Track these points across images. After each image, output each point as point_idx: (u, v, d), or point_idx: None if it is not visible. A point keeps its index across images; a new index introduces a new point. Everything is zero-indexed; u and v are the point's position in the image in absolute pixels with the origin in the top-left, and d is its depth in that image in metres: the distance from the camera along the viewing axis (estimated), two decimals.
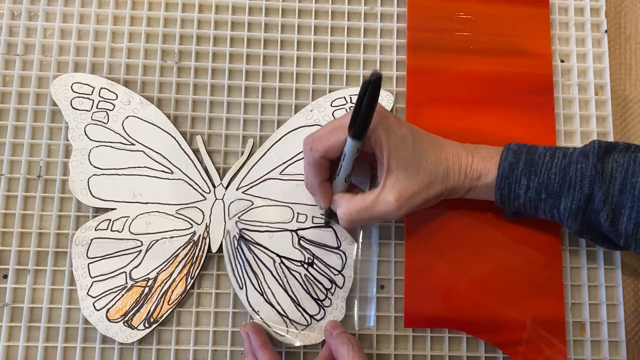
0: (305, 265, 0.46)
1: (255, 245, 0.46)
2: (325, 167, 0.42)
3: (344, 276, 0.46)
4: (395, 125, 0.40)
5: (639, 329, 0.48)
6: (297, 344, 0.44)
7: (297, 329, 0.45)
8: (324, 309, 0.45)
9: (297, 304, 0.45)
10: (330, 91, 0.49)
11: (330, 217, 0.46)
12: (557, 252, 0.47)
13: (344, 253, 0.46)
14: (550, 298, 0.46)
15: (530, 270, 0.46)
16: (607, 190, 0.39)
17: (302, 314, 0.45)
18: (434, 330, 0.46)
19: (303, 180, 0.46)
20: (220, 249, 0.46)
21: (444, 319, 0.45)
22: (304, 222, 0.46)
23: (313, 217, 0.46)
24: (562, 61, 0.51)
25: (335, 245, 0.46)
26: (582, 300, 0.47)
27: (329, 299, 0.45)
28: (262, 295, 0.45)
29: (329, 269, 0.46)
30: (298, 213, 0.46)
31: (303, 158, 0.44)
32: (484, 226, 0.47)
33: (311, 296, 0.45)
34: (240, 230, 0.46)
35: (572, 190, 0.39)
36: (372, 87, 0.34)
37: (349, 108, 0.48)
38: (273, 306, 0.45)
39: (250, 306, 0.45)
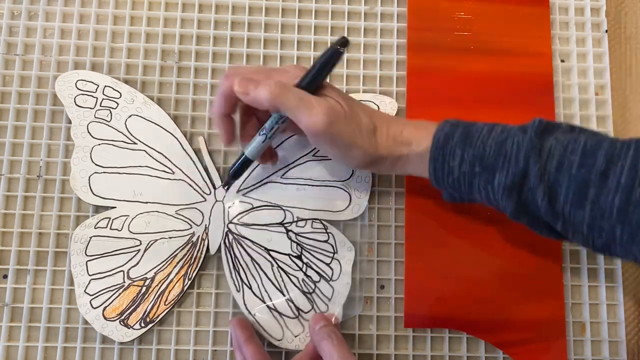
0: (294, 258, 0.45)
1: (254, 249, 0.46)
2: (234, 101, 0.40)
3: (340, 281, 0.46)
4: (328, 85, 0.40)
5: (639, 329, 0.48)
6: (294, 347, 0.44)
7: (293, 334, 0.44)
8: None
9: (294, 308, 0.45)
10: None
11: (236, 175, 0.43)
12: (557, 252, 0.47)
13: (341, 259, 0.46)
14: (550, 298, 0.46)
15: (531, 270, 0.46)
16: (543, 166, 0.36)
17: (300, 320, 0.45)
18: (434, 330, 0.46)
19: (304, 184, 0.46)
20: (218, 251, 0.46)
21: (444, 319, 0.45)
22: (303, 227, 0.46)
23: (312, 222, 0.46)
24: (562, 61, 0.51)
25: (332, 251, 0.46)
26: (582, 300, 0.47)
27: (326, 305, 0.45)
28: (259, 298, 0.45)
29: (325, 274, 0.46)
30: (298, 217, 0.46)
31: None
32: (484, 226, 0.47)
33: (308, 300, 0.45)
34: (239, 233, 0.46)
35: (507, 164, 0.37)
36: (338, 47, 0.36)
37: None
38: (270, 310, 0.45)
39: (247, 309, 0.45)
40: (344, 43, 0.37)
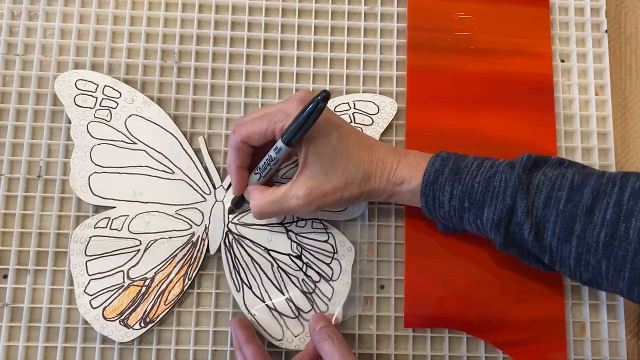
0: (294, 258, 0.45)
1: (254, 249, 0.46)
2: (245, 152, 0.41)
3: (340, 281, 0.46)
4: (322, 121, 0.38)
5: (639, 329, 0.48)
6: (294, 347, 0.44)
7: (293, 334, 0.44)
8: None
9: (294, 308, 0.45)
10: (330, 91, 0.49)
11: (237, 206, 0.45)
12: None
13: (341, 259, 0.46)
14: (550, 298, 0.46)
15: (531, 270, 0.46)
16: (531, 202, 0.37)
17: (300, 320, 0.45)
18: (434, 330, 0.46)
19: None
20: (218, 251, 0.46)
21: (444, 319, 0.45)
22: (303, 227, 0.46)
23: (312, 222, 0.46)
24: (562, 61, 0.51)
25: (332, 251, 0.46)
26: (582, 300, 0.47)
27: (326, 305, 0.45)
28: (259, 298, 0.45)
29: (325, 274, 0.46)
30: (297, 217, 0.46)
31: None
32: None
33: (308, 299, 0.45)
34: (239, 232, 0.46)
35: (495, 200, 0.38)
36: (319, 102, 0.35)
37: (352, 114, 0.48)
38: (270, 310, 0.45)
39: (247, 309, 0.45)
40: (325, 97, 0.35)
